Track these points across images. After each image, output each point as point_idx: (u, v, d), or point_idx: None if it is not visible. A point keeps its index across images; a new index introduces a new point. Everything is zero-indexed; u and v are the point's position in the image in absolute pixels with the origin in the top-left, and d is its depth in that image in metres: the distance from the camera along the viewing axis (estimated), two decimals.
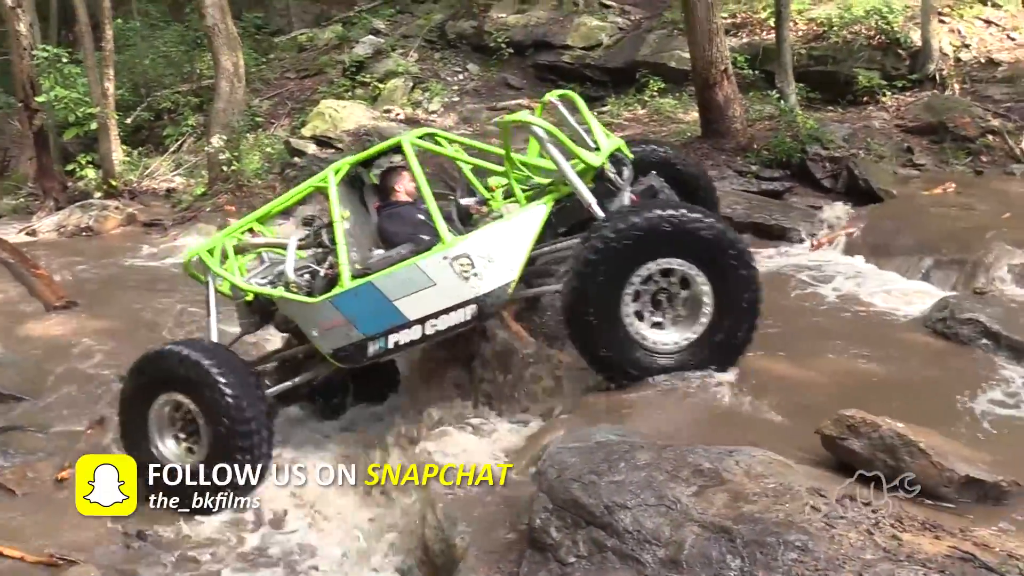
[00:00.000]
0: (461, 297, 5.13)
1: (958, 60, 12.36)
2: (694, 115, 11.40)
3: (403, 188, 5.96)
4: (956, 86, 11.86)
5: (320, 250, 5.73)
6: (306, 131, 13.73)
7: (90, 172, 14.36)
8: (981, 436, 4.44)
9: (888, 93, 12.04)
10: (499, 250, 5.14)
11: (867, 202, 9.20)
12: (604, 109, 13.31)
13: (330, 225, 5.53)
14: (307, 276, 5.61)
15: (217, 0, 13.17)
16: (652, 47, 14.53)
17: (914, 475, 3.70)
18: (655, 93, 13.32)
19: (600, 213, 5.01)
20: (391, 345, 5.29)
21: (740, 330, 4.89)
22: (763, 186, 9.75)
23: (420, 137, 5.92)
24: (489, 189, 5.92)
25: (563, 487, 3.65)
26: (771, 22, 12.82)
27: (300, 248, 5.76)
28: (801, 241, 8.77)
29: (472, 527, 4.09)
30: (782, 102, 11.14)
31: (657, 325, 4.94)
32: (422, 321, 5.19)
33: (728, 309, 4.83)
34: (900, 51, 12.45)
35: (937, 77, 11.91)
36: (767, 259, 7.99)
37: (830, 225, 8.92)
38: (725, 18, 13.92)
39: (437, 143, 6.06)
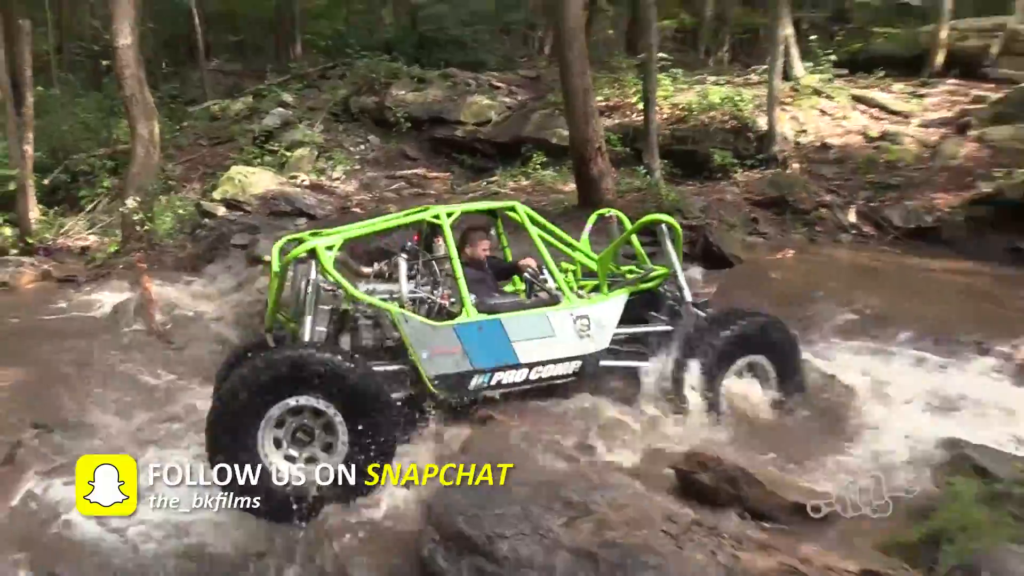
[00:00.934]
0: (573, 352, 5.50)
1: (798, 143, 13.11)
2: (572, 186, 11.71)
3: (474, 251, 6.04)
4: (796, 166, 12.53)
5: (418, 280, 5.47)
6: (217, 194, 13.61)
7: (7, 230, 13.93)
8: (811, 465, 4.77)
9: (739, 170, 12.63)
10: (605, 320, 5.61)
11: (720, 266, 9.43)
12: (492, 179, 13.63)
13: (437, 259, 5.49)
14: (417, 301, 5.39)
15: (135, 72, 13.04)
16: (536, 125, 14.95)
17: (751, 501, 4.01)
18: (538, 166, 13.66)
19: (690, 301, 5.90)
20: (493, 382, 5.35)
21: None
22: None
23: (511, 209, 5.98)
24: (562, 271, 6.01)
25: (449, 520, 3.80)
26: (641, 106, 13.36)
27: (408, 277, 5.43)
28: None
29: (366, 558, 4.19)
30: (649, 177, 11.63)
31: None
32: (531, 366, 5.40)
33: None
34: (749, 134, 13.14)
35: (780, 157, 12.58)
36: None
37: None
38: (600, 101, 14.44)
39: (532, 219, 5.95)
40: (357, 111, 16.90)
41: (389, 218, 5.87)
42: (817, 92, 14.20)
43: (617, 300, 5.78)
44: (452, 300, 5.38)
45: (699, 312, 5.90)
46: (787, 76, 14.31)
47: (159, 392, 7.09)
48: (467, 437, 5.06)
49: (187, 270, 11.43)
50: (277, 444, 4.56)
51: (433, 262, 5.51)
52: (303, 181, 14.32)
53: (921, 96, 14.52)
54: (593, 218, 6.83)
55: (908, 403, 5.73)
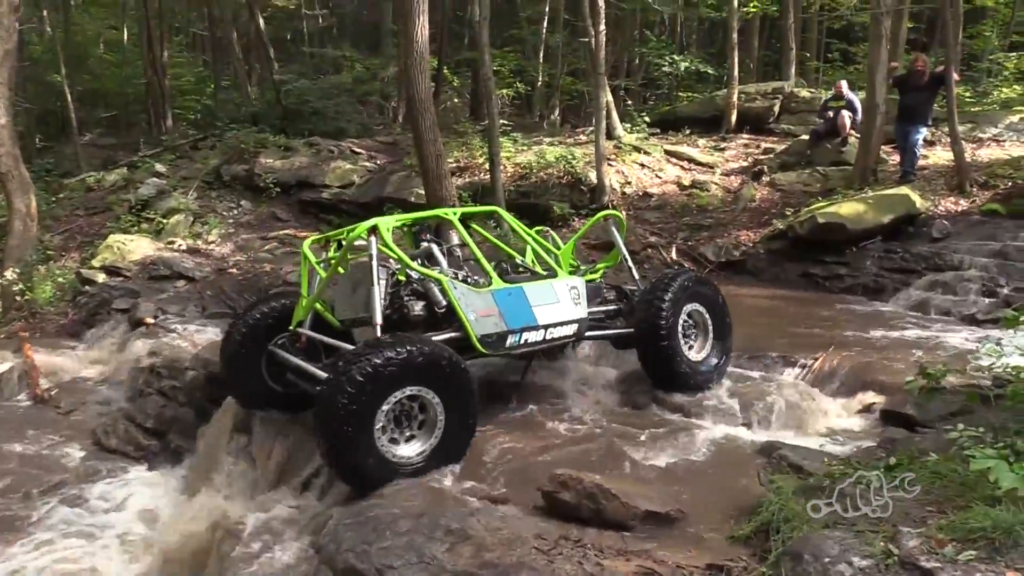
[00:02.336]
0: (572, 316, 5.83)
1: (624, 193, 13.60)
2: None
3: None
4: (624, 212, 12.99)
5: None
6: (96, 262, 12.85)
7: None
8: (657, 476, 4.89)
9: (576, 219, 12.99)
10: (584, 293, 5.99)
11: None
12: None
13: (453, 247, 6.11)
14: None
15: (10, 150, 12.27)
16: (395, 185, 14.89)
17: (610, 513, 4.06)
18: None
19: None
20: (522, 341, 5.54)
21: None
22: None
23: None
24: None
25: (341, 557, 3.71)
26: (487, 166, 13.52)
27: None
28: None
29: None
30: (498, 229, 11.76)
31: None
32: (546, 327, 5.66)
33: None
34: (582, 187, 13.53)
35: (610, 206, 13.00)
36: None
37: None
38: (451, 163, 14.56)
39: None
40: (229, 178, 16.37)
41: (408, 216, 6.01)
42: (636, 149, 14.78)
43: (585, 279, 6.21)
44: (476, 278, 5.54)
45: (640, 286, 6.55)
46: (610, 136, 14.85)
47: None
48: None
49: (69, 336, 10.77)
50: (383, 430, 4.48)
51: (454, 248, 6.02)
52: (180, 246, 13.72)
53: (722, 149, 15.35)
54: (593, 220, 7.08)
55: (733, 413, 5.97)
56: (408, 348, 4.45)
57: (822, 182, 12.73)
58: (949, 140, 11.89)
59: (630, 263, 6.66)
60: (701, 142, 15.77)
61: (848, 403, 6.24)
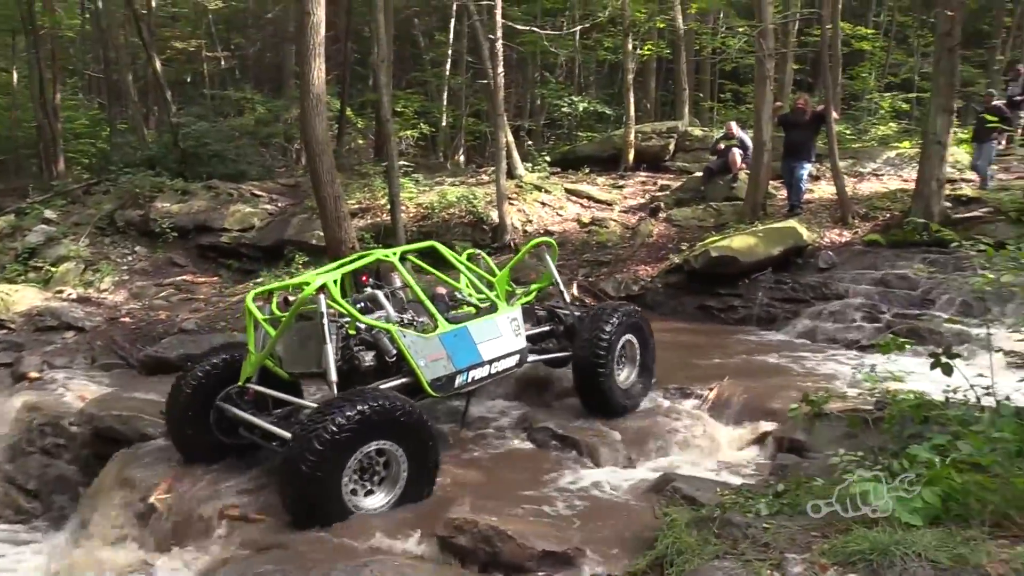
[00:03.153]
0: (514, 347, 6.11)
1: (525, 231, 13.68)
2: None
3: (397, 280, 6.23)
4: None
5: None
6: None
7: None
8: (555, 514, 4.85)
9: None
10: (522, 322, 6.32)
11: None
12: (259, 280, 13.12)
13: (396, 289, 6.05)
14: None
15: None
16: (296, 228, 14.63)
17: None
18: (300, 265, 13.33)
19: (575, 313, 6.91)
20: (470, 379, 5.74)
21: None
22: None
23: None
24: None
25: None
26: (389, 207, 13.42)
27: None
28: None
29: None
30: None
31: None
32: (491, 362, 5.88)
33: None
34: (484, 226, 13.58)
35: (512, 244, 13.09)
36: None
37: None
38: (353, 204, 14.44)
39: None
40: (123, 224, 15.77)
41: (348, 260, 5.98)
42: (537, 188, 14.94)
43: (520, 307, 6.44)
44: (421, 319, 5.66)
45: (576, 312, 6.94)
46: (512, 175, 14.99)
47: None
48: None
49: None
50: (348, 485, 4.51)
51: (397, 291, 6.04)
52: (70, 295, 13.10)
53: (620, 187, 15.66)
54: (528, 247, 7.16)
55: (633, 446, 6.00)
56: (371, 404, 4.48)
57: (716, 217, 13.11)
58: (832, 175, 12.43)
59: (562, 286, 7.02)
60: (600, 180, 16.07)
61: (743, 432, 6.36)
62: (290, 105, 23.67)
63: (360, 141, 24.40)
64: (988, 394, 4.43)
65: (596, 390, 6.37)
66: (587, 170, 16.63)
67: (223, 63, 28.34)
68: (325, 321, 5.00)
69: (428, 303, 5.66)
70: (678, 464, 5.85)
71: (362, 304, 5.69)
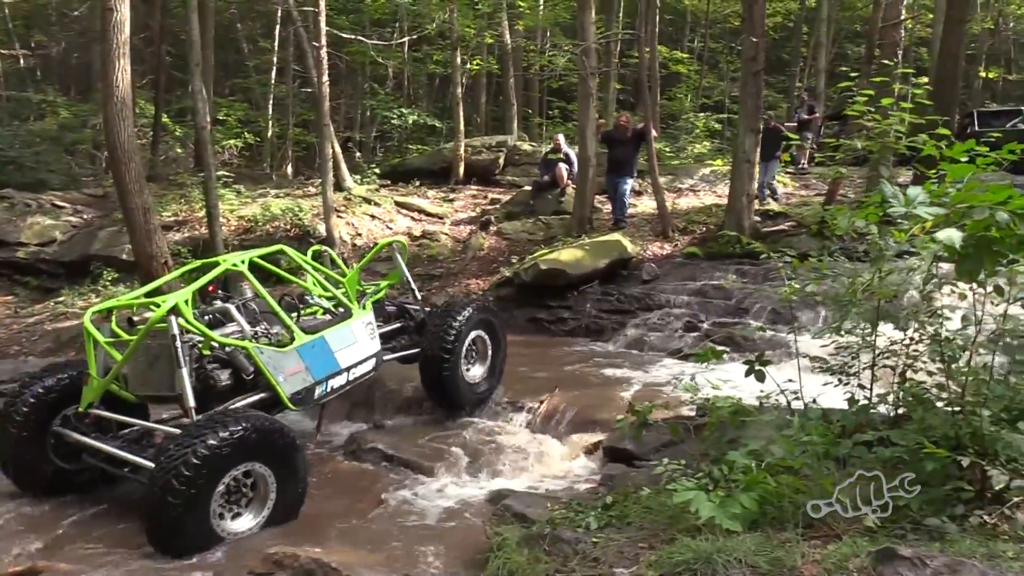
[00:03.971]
0: (370, 352, 6.08)
1: (354, 245, 13.35)
2: None
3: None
4: (355, 264, 12.70)
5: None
6: None
7: None
8: (385, 540, 4.65)
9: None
10: (375, 324, 6.31)
11: None
12: (60, 299, 12.05)
13: (247, 300, 5.61)
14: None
15: None
16: (104, 242, 13.55)
17: None
18: (108, 282, 12.35)
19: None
20: (329, 389, 5.64)
21: None
22: None
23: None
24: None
25: None
26: (206, 219, 12.68)
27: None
28: None
29: None
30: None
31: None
32: (348, 369, 5.81)
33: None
34: (311, 240, 13.06)
35: (343, 258, 12.70)
36: None
37: None
38: (169, 216, 13.58)
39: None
40: None
41: (197, 271, 5.87)
42: (367, 200, 14.65)
43: (372, 310, 6.46)
44: (275, 331, 5.45)
45: (426, 308, 7.14)
46: (340, 187, 14.62)
47: None
48: None
49: None
50: (216, 510, 4.37)
51: (249, 302, 5.63)
52: None
53: (451, 200, 15.65)
54: (378, 247, 7.39)
55: (464, 464, 5.89)
56: (239, 427, 4.37)
57: (545, 230, 13.32)
58: (653, 190, 12.93)
59: (412, 284, 7.25)
60: (431, 193, 16.00)
61: (574, 443, 6.40)
62: (98, 110, 22.00)
63: (179, 150, 23.03)
64: (796, 398, 4.64)
65: (442, 385, 6.47)
66: (417, 183, 16.51)
67: (21, 62, 26.05)
68: (178, 345, 4.77)
69: (283, 314, 5.50)
70: (510, 480, 5.79)
71: (210, 316, 5.48)
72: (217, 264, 5.57)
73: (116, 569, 4.18)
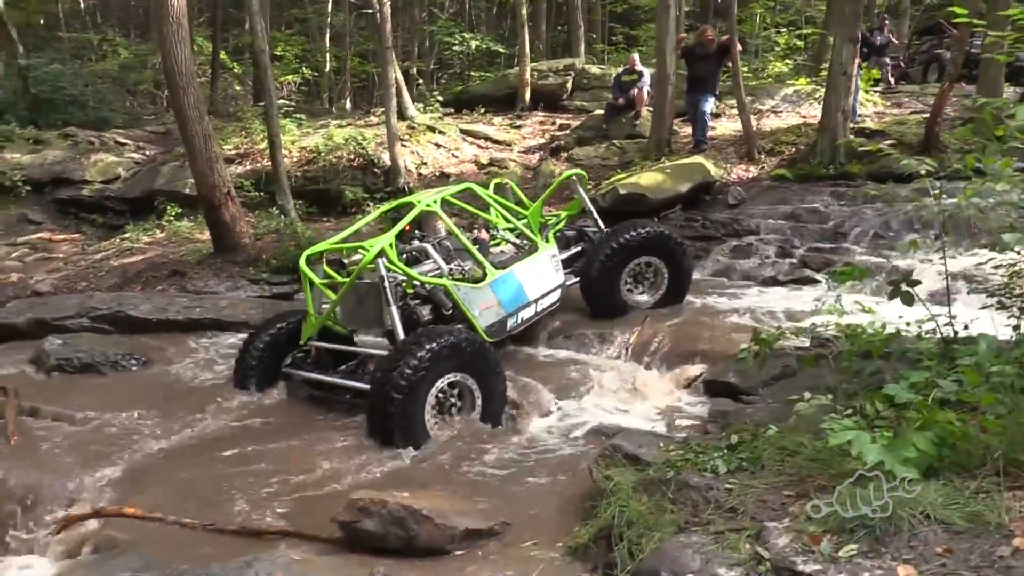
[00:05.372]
0: (555, 284, 6.35)
1: (420, 174, 12.81)
2: (208, 234, 10.34)
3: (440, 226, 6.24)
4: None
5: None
6: None
7: None
8: (475, 484, 4.19)
9: (371, 203, 12.08)
10: (558, 256, 6.56)
11: None
12: (125, 236, 11.81)
13: (441, 239, 6.12)
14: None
15: None
16: (167, 177, 13.26)
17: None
18: (172, 218, 12.07)
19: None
20: (519, 321, 5.98)
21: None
22: (275, 290, 8.97)
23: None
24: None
25: None
26: (268, 150, 12.25)
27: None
28: None
29: None
30: (283, 217, 10.66)
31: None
32: (536, 301, 6.10)
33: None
34: (376, 170, 12.58)
35: (406, 188, 12.19)
36: None
37: None
38: (230, 150, 13.20)
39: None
40: None
41: (393, 210, 6.49)
42: (431, 129, 14.03)
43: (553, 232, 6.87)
44: (468, 266, 5.84)
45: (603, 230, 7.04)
46: (403, 116, 14.01)
47: None
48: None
49: None
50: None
51: (444, 240, 6.10)
52: None
53: (518, 127, 14.98)
54: (560, 179, 7.49)
55: (558, 394, 5.42)
56: (442, 341, 4.71)
57: (619, 155, 12.58)
58: (734, 111, 12.04)
59: (594, 212, 7.22)
60: (497, 120, 15.33)
61: (672, 377, 5.86)
62: (157, 51, 21.75)
63: (238, 87, 22.68)
64: (950, 324, 3.97)
65: (598, 304, 6.74)
66: (482, 110, 15.84)
67: (81, 4, 25.84)
68: (387, 286, 5.15)
69: (475, 252, 5.76)
70: (605, 416, 5.28)
71: (408, 255, 5.90)
72: (412, 205, 5.87)
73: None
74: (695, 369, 5.82)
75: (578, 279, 6.76)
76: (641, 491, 3.38)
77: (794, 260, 8.75)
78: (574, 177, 7.32)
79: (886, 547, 2.50)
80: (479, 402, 4.94)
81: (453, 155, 13.44)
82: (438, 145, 13.62)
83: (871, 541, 2.54)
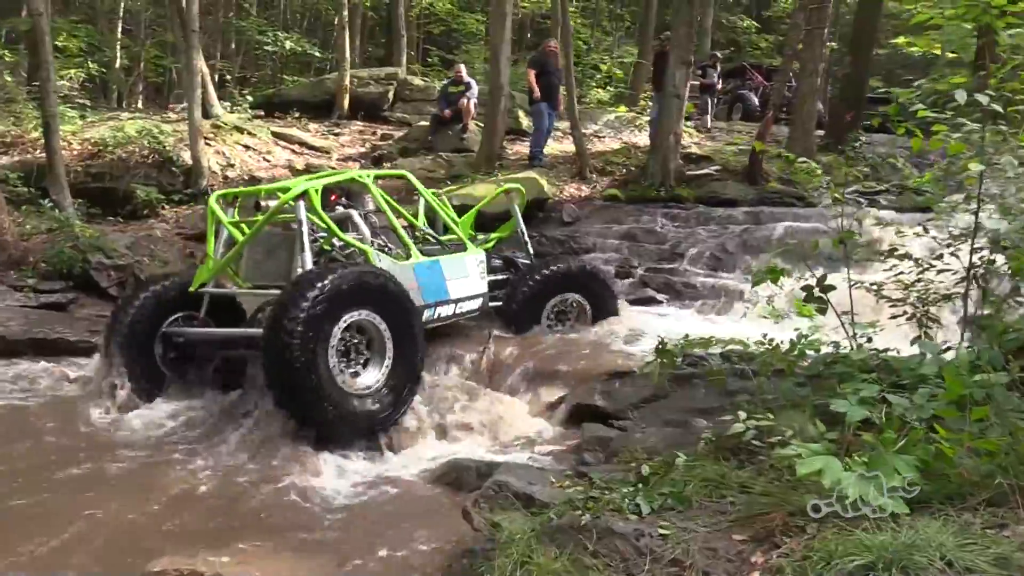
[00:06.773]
0: (479, 290, 5.96)
1: (226, 177, 11.45)
2: None
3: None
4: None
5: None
6: None
7: None
8: (319, 532, 3.28)
9: (167, 206, 10.61)
10: (485, 267, 6.13)
11: None
12: None
13: (369, 212, 5.69)
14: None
15: None
16: None
17: None
18: None
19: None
20: (436, 315, 5.52)
21: None
22: (43, 299, 7.40)
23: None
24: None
25: None
26: (43, 140, 10.48)
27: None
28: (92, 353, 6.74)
29: None
30: (59, 215, 9.03)
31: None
32: (456, 301, 5.69)
33: None
34: (174, 168, 11.01)
35: (209, 191, 10.77)
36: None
37: None
38: None
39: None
40: None
41: (324, 180, 5.53)
42: (239, 129, 12.67)
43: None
44: (396, 249, 5.49)
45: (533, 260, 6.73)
46: (207, 114, 12.56)
47: None
48: None
49: None
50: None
51: (370, 215, 5.70)
52: None
53: (336, 134, 14.02)
54: (497, 193, 7.26)
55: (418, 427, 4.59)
56: (336, 275, 4.30)
57: (446, 168, 11.92)
58: (566, 130, 11.77)
59: (526, 236, 6.88)
60: (313, 127, 14.25)
61: (529, 401, 5.19)
62: None
63: (8, 78, 19.87)
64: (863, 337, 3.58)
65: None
66: (297, 115, 14.67)
67: None
68: (305, 229, 4.78)
69: (401, 231, 5.52)
70: (459, 448, 4.52)
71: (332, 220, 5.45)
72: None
73: None
74: (556, 392, 5.20)
75: (500, 303, 6.32)
76: (548, 541, 2.62)
77: (634, 279, 8.49)
78: (512, 194, 7.03)
79: None
80: (391, 349, 4.52)
81: (264, 158, 12.20)
82: (247, 147, 12.30)
83: None
